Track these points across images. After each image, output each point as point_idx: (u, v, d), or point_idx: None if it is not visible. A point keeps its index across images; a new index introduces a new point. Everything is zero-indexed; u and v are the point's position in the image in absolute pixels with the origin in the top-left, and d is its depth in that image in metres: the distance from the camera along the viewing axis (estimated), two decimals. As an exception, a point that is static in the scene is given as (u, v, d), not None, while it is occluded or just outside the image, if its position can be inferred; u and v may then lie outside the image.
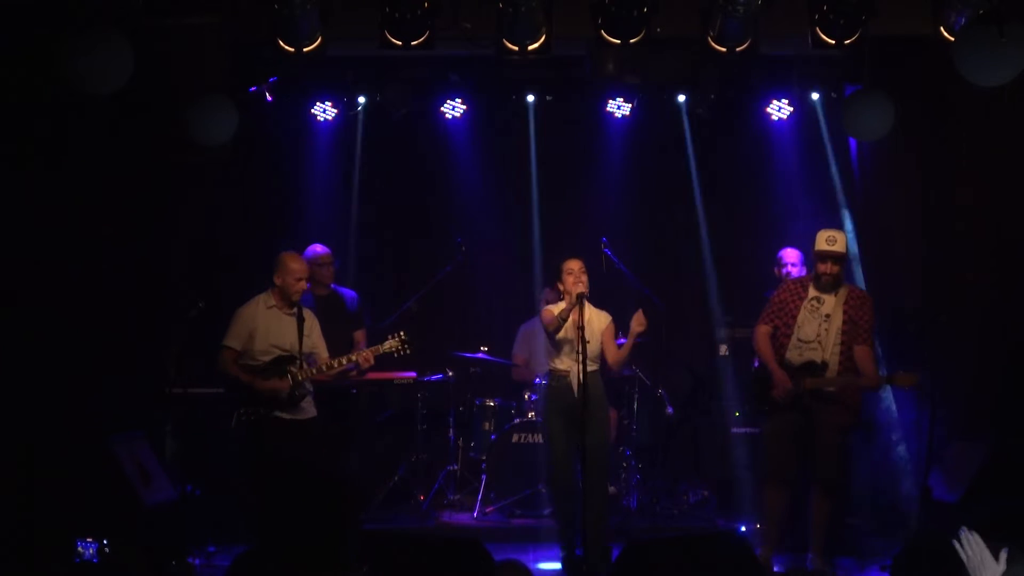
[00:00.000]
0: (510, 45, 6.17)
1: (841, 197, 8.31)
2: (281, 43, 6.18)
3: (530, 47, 6.18)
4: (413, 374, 7.60)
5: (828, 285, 6.23)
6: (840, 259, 6.21)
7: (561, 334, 6.26)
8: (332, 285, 7.38)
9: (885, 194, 8.20)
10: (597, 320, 6.32)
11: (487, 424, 7.90)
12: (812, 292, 6.28)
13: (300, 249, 7.15)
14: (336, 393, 7.04)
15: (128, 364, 6.76)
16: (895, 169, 8.09)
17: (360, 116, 8.60)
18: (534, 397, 7.73)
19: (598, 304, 6.42)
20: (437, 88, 8.41)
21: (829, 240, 6.19)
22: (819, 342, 6.15)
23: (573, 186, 8.94)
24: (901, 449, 7.45)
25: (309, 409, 6.26)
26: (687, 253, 8.78)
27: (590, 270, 6.36)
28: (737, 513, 7.32)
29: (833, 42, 6.08)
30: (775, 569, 6.13)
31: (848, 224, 8.04)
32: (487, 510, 7.53)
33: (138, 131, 6.85)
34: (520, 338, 8.40)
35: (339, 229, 8.50)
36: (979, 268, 7.29)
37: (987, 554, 2.67)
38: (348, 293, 7.46)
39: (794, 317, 6.24)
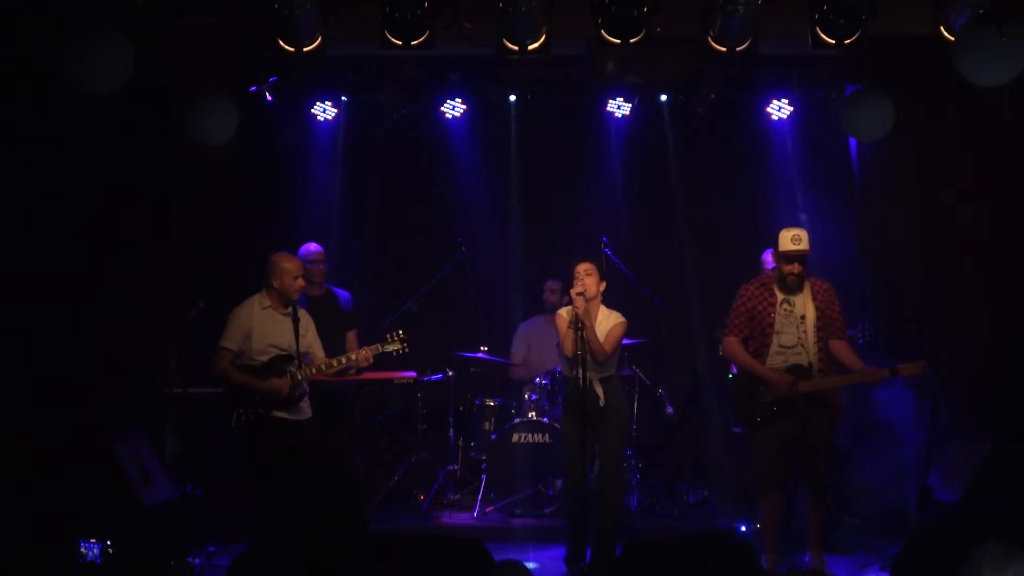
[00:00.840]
0: (510, 45, 6.18)
1: (841, 197, 8.32)
2: (281, 43, 6.18)
3: (530, 47, 6.19)
4: (413, 374, 7.60)
5: (794, 285, 6.04)
6: (805, 258, 6.00)
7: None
8: (326, 284, 7.38)
9: (885, 194, 8.21)
10: (606, 321, 6.17)
11: (487, 424, 7.90)
12: (779, 295, 6.07)
13: (298, 248, 7.17)
14: (332, 393, 7.04)
15: (128, 364, 6.76)
16: (895, 169, 8.09)
17: (360, 116, 8.61)
18: (534, 397, 7.73)
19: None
20: (437, 88, 8.41)
21: (795, 239, 5.95)
22: (801, 345, 6.01)
23: (573, 186, 8.94)
24: (901, 449, 7.44)
25: (306, 409, 6.27)
26: (687, 253, 8.78)
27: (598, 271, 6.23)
28: (737, 513, 7.32)
29: (833, 42, 6.08)
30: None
31: (846, 223, 8.06)
32: (487, 510, 7.53)
33: (138, 131, 6.85)
34: (518, 337, 8.41)
35: (339, 229, 8.51)
36: (979, 267, 7.29)
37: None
38: (342, 293, 7.45)
39: (771, 325, 6.04)
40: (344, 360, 6.28)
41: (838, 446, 6.75)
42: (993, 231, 7.18)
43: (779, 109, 8.37)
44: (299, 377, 6.13)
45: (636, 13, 5.96)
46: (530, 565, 5.89)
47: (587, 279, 6.09)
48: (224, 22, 6.68)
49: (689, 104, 8.37)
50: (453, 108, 8.51)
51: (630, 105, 8.41)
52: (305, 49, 6.20)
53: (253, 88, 7.78)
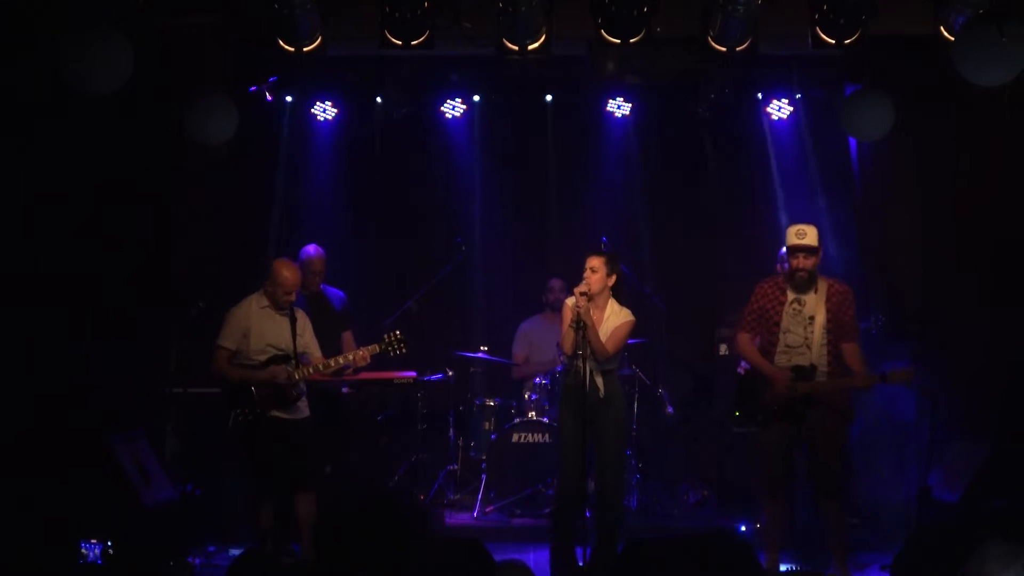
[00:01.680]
0: (510, 45, 6.17)
1: (841, 197, 8.32)
2: (281, 43, 6.18)
3: (530, 47, 6.18)
4: (413, 374, 7.59)
5: (804, 282, 6.00)
6: (812, 252, 5.97)
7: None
8: (321, 285, 7.36)
9: (885, 194, 8.21)
10: (614, 317, 6.04)
11: (487, 424, 7.90)
12: (791, 295, 6.06)
13: (298, 248, 7.16)
14: (327, 393, 7.03)
15: (128, 364, 6.75)
16: (895, 169, 8.09)
17: (360, 116, 8.61)
18: (534, 396, 7.74)
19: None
20: (437, 88, 8.42)
21: (799, 234, 5.96)
22: (807, 346, 5.98)
23: (573, 186, 8.94)
24: (901, 449, 7.44)
25: (304, 409, 6.26)
26: (687, 253, 8.78)
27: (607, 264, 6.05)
28: (737, 513, 7.32)
29: (833, 42, 6.07)
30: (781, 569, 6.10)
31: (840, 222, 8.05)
32: (487, 510, 7.53)
33: (138, 131, 6.85)
34: (520, 336, 8.41)
35: (339, 228, 8.50)
36: (979, 267, 7.29)
37: None
38: (337, 293, 7.43)
39: (777, 324, 6.04)
40: (341, 360, 6.27)
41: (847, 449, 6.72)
42: (993, 231, 7.18)
43: (779, 109, 8.37)
44: (297, 376, 6.13)
45: (636, 13, 5.96)
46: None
47: (592, 276, 5.94)
48: (224, 22, 6.68)
49: (689, 104, 8.37)
50: (453, 108, 8.51)
51: (630, 105, 8.41)
52: (305, 49, 6.19)
53: (253, 88, 7.78)
